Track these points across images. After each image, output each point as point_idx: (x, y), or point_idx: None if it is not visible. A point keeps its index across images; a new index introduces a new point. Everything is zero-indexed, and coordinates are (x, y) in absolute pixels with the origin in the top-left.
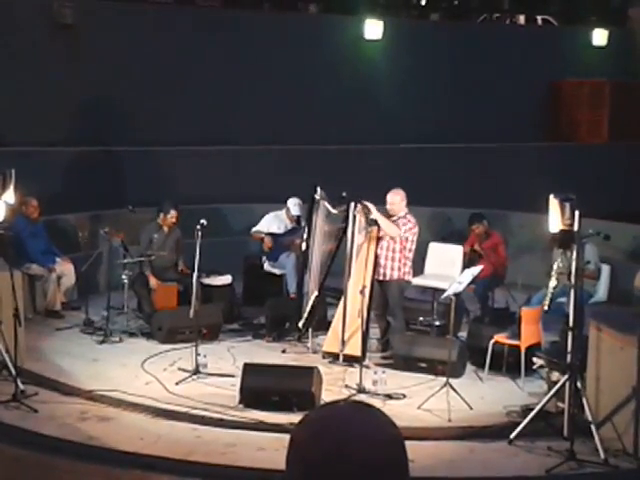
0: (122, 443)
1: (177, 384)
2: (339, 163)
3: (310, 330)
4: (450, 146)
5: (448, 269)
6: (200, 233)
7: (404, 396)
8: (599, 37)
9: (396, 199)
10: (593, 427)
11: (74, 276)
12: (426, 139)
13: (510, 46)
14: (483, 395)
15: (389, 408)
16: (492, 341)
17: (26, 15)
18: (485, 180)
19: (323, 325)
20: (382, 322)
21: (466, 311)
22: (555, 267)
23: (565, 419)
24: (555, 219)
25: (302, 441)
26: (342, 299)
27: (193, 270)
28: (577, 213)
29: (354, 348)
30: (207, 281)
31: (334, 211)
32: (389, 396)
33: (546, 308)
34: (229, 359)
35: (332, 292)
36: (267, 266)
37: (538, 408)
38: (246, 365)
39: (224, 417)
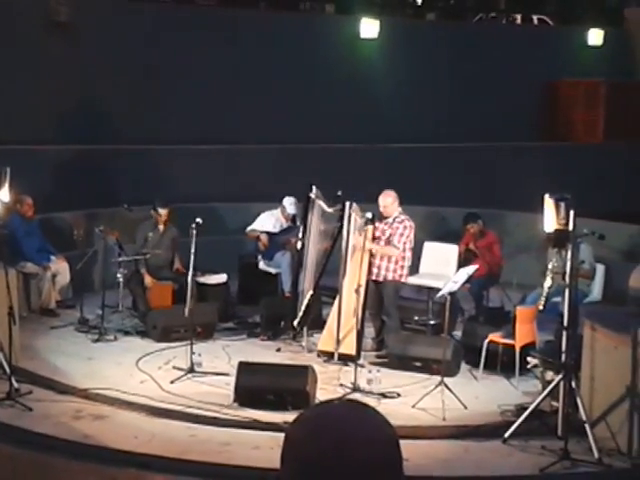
0: (117, 442)
1: (172, 383)
2: (335, 162)
3: (305, 329)
4: (446, 145)
5: (443, 268)
6: (195, 232)
7: (399, 395)
8: (595, 37)
9: (388, 201)
10: (587, 426)
11: (69, 274)
12: (422, 138)
13: (506, 46)
14: (478, 394)
15: (384, 407)
16: (487, 340)
17: (21, 13)
18: (481, 179)
19: (318, 324)
20: (377, 321)
21: (461, 310)
22: (550, 267)
23: (559, 418)
24: (550, 219)
25: (297, 439)
26: (337, 298)
27: (188, 269)
28: (572, 213)
29: (349, 347)
30: (202, 280)
31: (329, 210)
32: (384, 395)
33: (541, 307)
34: (224, 358)
35: (327, 291)
36: (262, 265)
37: (532, 407)
38: (241, 364)
39: (219, 416)
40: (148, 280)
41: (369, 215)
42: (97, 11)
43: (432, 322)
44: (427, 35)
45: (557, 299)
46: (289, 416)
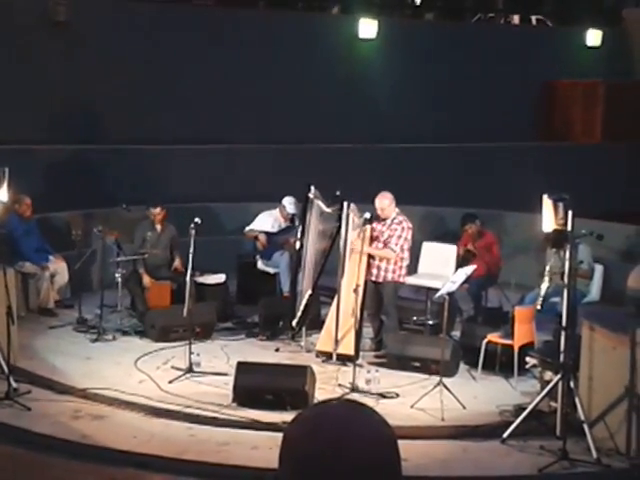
0: (115, 441)
1: (170, 382)
2: (333, 162)
3: (304, 329)
4: (444, 145)
5: (442, 268)
6: (194, 231)
7: (397, 395)
8: (593, 37)
9: (385, 203)
10: (586, 426)
11: (67, 274)
12: (420, 139)
13: (504, 46)
14: (476, 394)
15: (382, 407)
16: (485, 340)
17: (20, 12)
18: (479, 180)
19: (317, 324)
20: (375, 321)
21: (459, 310)
22: (548, 267)
23: (558, 418)
24: (548, 219)
25: (295, 439)
26: (336, 298)
27: (187, 269)
28: (570, 213)
29: (347, 347)
30: (201, 280)
31: (328, 210)
32: (382, 395)
33: (539, 307)
34: (223, 358)
35: (326, 291)
36: (261, 264)
37: (531, 407)
38: (239, 364)
39: (218, 416)
40: (146, 280)
41: (367, 215)
42: (96, 11)
43: (431, 322)
44: (425, 35)
45: (555, 299)
46: (288, 416)
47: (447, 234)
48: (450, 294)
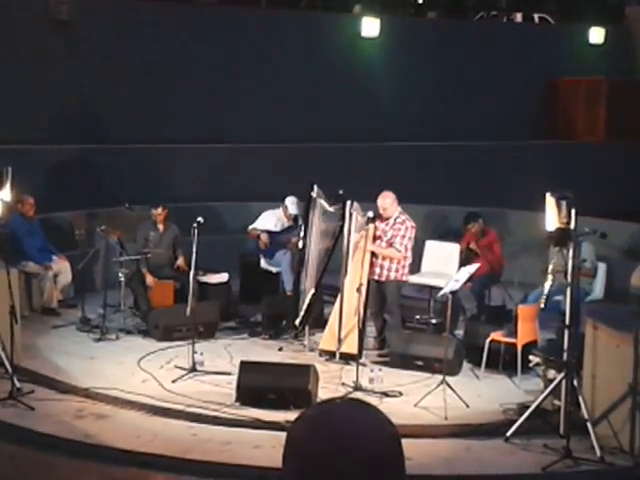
0: (118, 441)
1: (174, 382)
2: (336, 161)
3: (307, 328)
4: (447, 144)
5: (445, 267)
6: (197, 231)
7: (401, 394)
8: (596, 35)
9: (387, 202)
10: (589, 425)
11: (70, 274)
12: (422, 137)
13: (507, 44)
14: (480, 393)
15: (386, 406)
16: (489, 339)
17: (22, 12)
18: (482, 178)
19: (320, 323)
20: (378, 320)
21: (463, 309)
22: (551, 265)
23: (561, 417)
24: (552, 217)
25: (299, 438)
26: (339, 297)
27: (190, 268)
28: (573, 211)
29: (351, 346)
30: (204, 279)
31: (331, 209)
32: (385, 394)
33: (542, 306)
34: (226, 357)
35: (329, 290)
36: (264, 263)
37: (534, 406)
38: (243, 363)
39: (221, 415)
40: (149, 279)
41: (370, 214)
42: (98, 10)
43: (434, 321)
44: (428, 34)
45: (559, 298)
46: (291, 415)
47: (450, 233)
48: (453, 293)
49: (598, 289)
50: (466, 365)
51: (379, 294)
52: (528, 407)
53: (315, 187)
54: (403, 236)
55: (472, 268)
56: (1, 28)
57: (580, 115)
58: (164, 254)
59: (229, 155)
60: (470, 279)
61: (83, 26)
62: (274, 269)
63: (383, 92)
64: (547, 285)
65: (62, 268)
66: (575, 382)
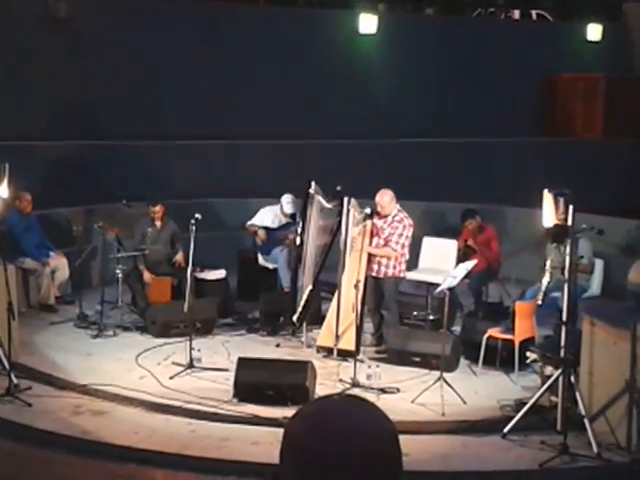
0: (116, 437)
1: (171, 378)
2: (334, 158)
3: (304, 324)
4: (444, 141)
5: (442, 263)
6: (194, 227)
7: (398, 390)
8: (594, 32)
9: (385, 200)
10: (586, 421)
11: (68, 270)
12: (420, 134)
13: (505, 41)
14: (477, 389)
15: (383, 402)
16: (486, 335)
17: (20, 9)
18: (480, 175)
19: (317, 319)
20: (376, 317)
21: (460, 305)
22: (549, 262)
23: (558, 413)
24: (549, 214)
25: (296, 434)
26: (336, 293)
27: (187, 264)
28: (571, 208)
29: (348, 342)
30: (201, 275)
31: (328, 206)
32: (383, 390)
33: (539, 302)
34: (223, 353)
35: (326, 286)
36: (261, 260)
37: (532, 402)
38: (240, 359)
39: (218, 411)
40: (147, 276)
41: (368, 211)
42: (96, 7)
43: (431, 317)
44: (426, 30)
45: (556, 294)
46: (288, 411)
47: (447, 229)
48: (451, 289)
49: (595, 286)
50: (463, 361)
51: (377, 290)
52: (525, 403)
53: (313, 184)
54: (400, 234)
55: (469, 265)
56: (0, 25)
57: (578, 112)
58: (162, 251)
59: (227, 152)
60: (468, 275)
61: (81, 23)
62: (271, 265)
63: (381, 89)
64: (544, 282)
65: (59, 264)
66: (572, 379)
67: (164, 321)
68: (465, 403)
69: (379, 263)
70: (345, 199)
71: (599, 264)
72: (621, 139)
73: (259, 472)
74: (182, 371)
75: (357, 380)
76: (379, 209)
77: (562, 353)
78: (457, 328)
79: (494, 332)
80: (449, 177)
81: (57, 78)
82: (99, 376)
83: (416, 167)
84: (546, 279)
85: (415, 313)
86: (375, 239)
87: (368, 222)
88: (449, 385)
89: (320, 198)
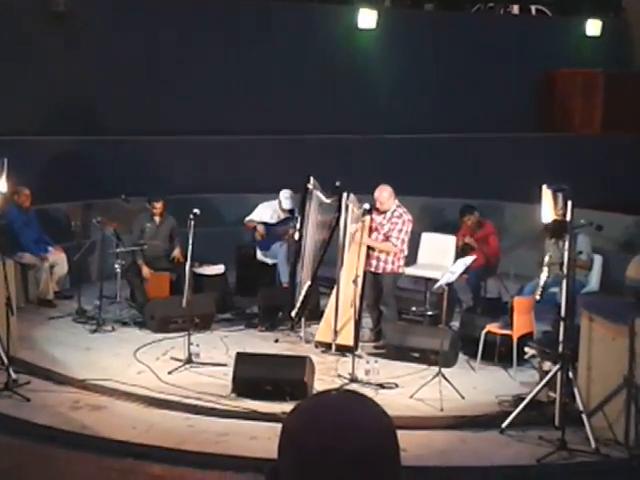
0: (114, 432)
1: (170, 373)
2: (332, 153)
3: (303, 320)
4: (443, 136)
5: (441, 259)
6: (193, 222)
7: (396, 385)
8: (593, 27)
9: (384, 196)
10: (584, 416)
11: (66, 265)
12: (419, 129)
13: (504, 36)
14: (475, 385)
15: (381, 397)
16: (484, 331)
17: (20, 3)
18: (478, 170)
19: (316, 315)
20: (374, 312)
21: (458, 301)
22: (547, 257)
23: (556, 408)
24: (548, 209)
25: (294, 429)
26: (335, 289)
27: (186, 259)
28: (570, 203)
29: (346, 338)
30: (200, 270)
31: (327, 201)
32: (381, 385)
33: (538, 298)
34: (222, 348)
35: (325, 282)
36: (260, 255)
37: (530, 398)
38: (239, 354)
39: (217, 406)
40: (146, 271)
41: (367, 206)
42: (96, 1)
43: (430, 313)
44: (425, 25)
45: (555, 290)
46: (287, 406)
47: (446, 225)
48: (449, 285)
49: (594, 281)
50: (462, 357)
51: (375, 286)
52: (523, 399)
53: (311, 179)
54: (400, 230)
55: (468, 260)
56: None
57: (577, 107)
58: (160, 246)
59: (225, 147)
60: (466, 271)
61: (81, 18)
62: (270, 261)
63: (380, 84)
64: (543, 277)
65: (58, 259)
66: (570, 374)
67: (162, 316)
68: (463, 398)
69: (378, 259)
70: (344, 194)
71: (598, 260)
72: (620, 134)
73: (257, 467)
74: (180, 366)
75: (355, 375)
76: (378, 205)
77: (560, 348)
78: (455, 323)
79: (492, 327)
80: (448, 172)
81: (56, 73)
82: (97, 371)
83: (415, 162)
84: (544, 274)
85: (414, 308)
86: (374, 234)
87: (367, 217)
88: (447, 380)
89: (319, 193)
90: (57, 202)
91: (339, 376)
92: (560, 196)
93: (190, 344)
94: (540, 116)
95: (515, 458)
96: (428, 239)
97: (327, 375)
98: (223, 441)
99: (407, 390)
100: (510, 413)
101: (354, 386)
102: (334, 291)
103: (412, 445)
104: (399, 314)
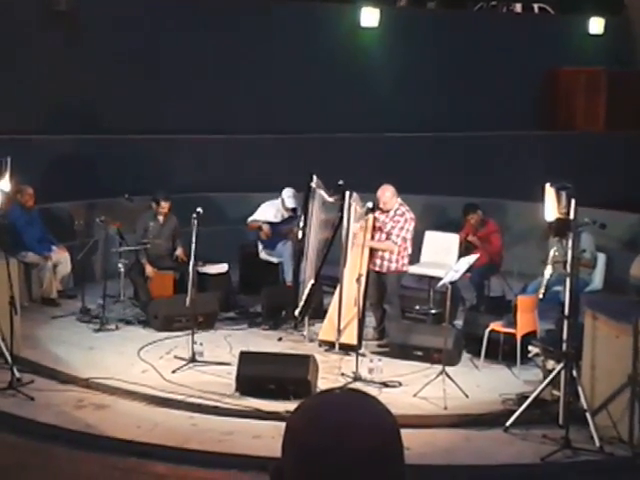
0: (118, 431)
1: (173, 372)
2: (335, 151)
3: (306, 318)
4: (446, 134)
5: (444, 257)
6: (196, 221)
7: (400, 384)
8: (596, 25)
9: (387, 196)
10: (588, 415)
11: (70, 264)
12: (422, 127)
13: (507, 34)
14: (479, 383)
15: (385, 396)
16: (488, 329)
17: (21, 2)
18: (481, 169)
19: (319, 313)
20: (378, 310)
21: (462, 299)
22: (551, 256)
23: (560, 407)
24: (551, 208)
25: (298, 428)
26: (338, 287)
27: (189, 258)
28: (573, 202)
29: (350, 336)
30: (203, 269)
31: (330, 199)
32: (385, 384)
33: (541, 296)
34: (225, 347)
35: (328, 280)
36: (263, 254)
37: (534, 396)
38: (242, 353)
39: (220, 405)
40: (149, 270)
41: (370, 205)
42: (97, 1)
43: (433, 311)
44: (427, 24)
45: (558, 288)
46: (290, 405)
47: (449, 223)
48: (453, 283)
49: (597, 279)
50: (465, 355)
51: (379, 285)
52: (527, 397)
53: (314, 177)
54: (401, 228)
55: (471, 258)
56: (0, 19)
57: (580, 105)
58: (164, 245)
59: (228, 146)
60: (469, 269)
61: (82, 17)
62: (275, 259)
63: (382, 82)
64: (546, 275)
65: (61, 258)
66: (574, 372)
67: (166, 315)
68: (467, 397)
69: (382, 258)
70: (347, 193)
71: (601, 258)
72: (623, 132)
73: (261, 466)
74: (184, 365)
75: (359, 374)
76: (381, 205)
77: (564, 347)
78: (459, 322)
79: (496, 326)
80: (451, 171)
81: (58, 71)
82: (101, 370)
83: (418, 161)
84: (548, 273)
85: (417, 307)
86: (378, 233)
87: (370, 216)
88: (451, 379)
89: (322, 192)
90: (60, 201)
91: (343, 375)
92: (563, 194)
93: (194, 343)
94: (543, 114)
95: (519, 456)
96: (431, 237)
97: (331, 374)
98: (227, 440)
99: (411, 388)
100: (514, 411)
101: (358, 385)
102: (338, 290)
103: (416, 443)
104: (403, 312)
